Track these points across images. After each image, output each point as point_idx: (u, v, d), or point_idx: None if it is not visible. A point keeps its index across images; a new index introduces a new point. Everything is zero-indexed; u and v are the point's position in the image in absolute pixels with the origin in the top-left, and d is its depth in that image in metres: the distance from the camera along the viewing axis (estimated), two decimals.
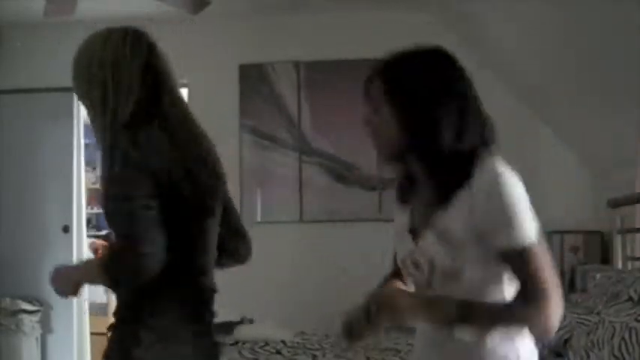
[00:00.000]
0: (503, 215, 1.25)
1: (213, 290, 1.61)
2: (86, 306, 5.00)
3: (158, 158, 1.46)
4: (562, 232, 4.18)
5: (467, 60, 1.42)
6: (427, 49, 1.39)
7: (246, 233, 1.76)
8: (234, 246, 1.72)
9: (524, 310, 1.26)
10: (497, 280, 1.32)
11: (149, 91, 1.53)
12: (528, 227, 1.26)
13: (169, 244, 1.40)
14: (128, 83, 1.51)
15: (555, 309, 1.25)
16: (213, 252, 1.61)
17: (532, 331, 1.30)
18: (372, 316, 1.30)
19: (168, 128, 1.52)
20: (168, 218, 1.43)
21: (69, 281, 1.59)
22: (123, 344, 1.49)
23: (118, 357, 1.50)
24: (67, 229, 4.87)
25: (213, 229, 1.61)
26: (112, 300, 5.35)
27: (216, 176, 1.62)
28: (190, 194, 1.50)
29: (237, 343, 3.44)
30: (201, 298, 1.58)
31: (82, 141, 5.03)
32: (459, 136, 1.31)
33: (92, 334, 4.98)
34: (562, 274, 4.10)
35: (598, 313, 2.64)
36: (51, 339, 4.81)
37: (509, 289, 1.33)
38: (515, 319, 1.29)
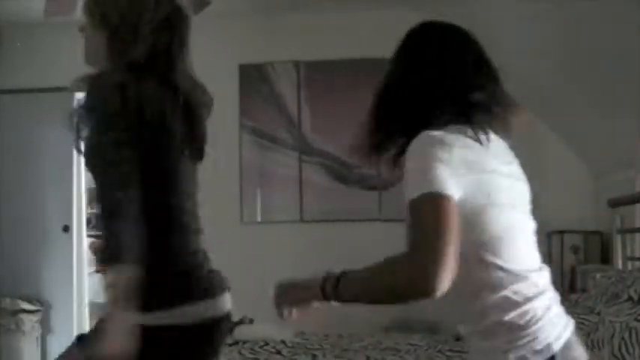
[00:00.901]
0: (406, 172, 1.25)
1: (196, 229, 1.64)
2: (86, 306, 5.01)
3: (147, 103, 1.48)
4: (562, 232, 4.18)
5: None
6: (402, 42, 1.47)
7: None
8: None
9: (391, 265, 1.20)
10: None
11: (167, 43, 1.59)
12: (418, 182, 1.21)
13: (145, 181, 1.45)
14: (150, 21, 1.57)
15: (422, 266, 1.13)
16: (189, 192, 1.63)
17: (402, 289, 1.18)
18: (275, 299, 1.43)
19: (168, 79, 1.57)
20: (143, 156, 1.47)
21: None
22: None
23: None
24: (67, 229, 4.87)
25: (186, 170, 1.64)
26: None
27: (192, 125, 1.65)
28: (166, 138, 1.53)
29: (237, 343, 3.44)
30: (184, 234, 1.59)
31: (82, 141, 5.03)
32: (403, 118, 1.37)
33: None
34: (562, 274, 4.11)
35: (598, 313, 2.65)
36: (51, 339, 4.81)
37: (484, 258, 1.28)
38: (384, 275, 1.21)
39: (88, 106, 1.50)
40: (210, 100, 1.74)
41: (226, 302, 1.64)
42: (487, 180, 1.29)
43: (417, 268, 1.14)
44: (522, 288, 1.29)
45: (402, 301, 1.19)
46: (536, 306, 1.29)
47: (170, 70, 1.60)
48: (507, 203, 1.32)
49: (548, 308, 1.30)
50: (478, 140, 1.31)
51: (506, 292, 1.28)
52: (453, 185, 1.22)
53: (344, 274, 1.30)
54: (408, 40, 1.47)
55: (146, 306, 1.44)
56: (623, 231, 3.76)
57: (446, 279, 1.13)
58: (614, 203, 3.77)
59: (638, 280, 2.71)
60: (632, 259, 3.68)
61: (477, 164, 1.29)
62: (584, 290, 3.44)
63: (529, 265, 1.34)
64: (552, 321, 1.29)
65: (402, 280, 1.16)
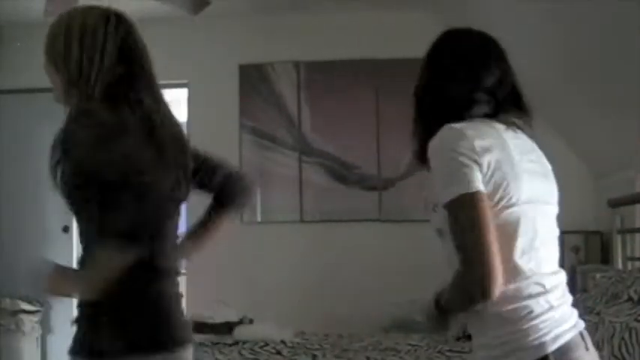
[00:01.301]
0: (433, 170, 1.32)
1: (171, 271, 1.60)
2: None
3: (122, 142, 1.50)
4: (562, 232, 4.14)
5: None
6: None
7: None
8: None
9: (456, 279, 1.29)
10: None
11: (124, 72, 1.58)
12: (448, 183, 1.28)
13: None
14: (102, 59, 1.57)
15: (478, 273, 1.24)
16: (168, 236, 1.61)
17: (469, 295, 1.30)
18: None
19: (137, 111, 1.55)
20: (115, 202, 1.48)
21: None
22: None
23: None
24: (67, 229, 4.87)
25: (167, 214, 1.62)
26: None
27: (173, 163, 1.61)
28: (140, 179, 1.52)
29: (237, 343, 3.44)
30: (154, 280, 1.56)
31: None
32: (431, 114, 1.42)
33: None
34: None
35: (598, 313, 2.64)
36: (51, 339, 4.81)
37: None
38: (457, 289, 1.31)
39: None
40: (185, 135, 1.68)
41: (184, 356, 1.54)
42: (504, 172, 1.31)
43: (474, 284, 1.25)
44: (522, 286, 1.29)
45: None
46: (536, 304, 1.29)
47: (136, 97, 1.57)
48: (521, 199, 1.33)
49: (551, 308, 1.30)
50: (499, 130, 1.36)
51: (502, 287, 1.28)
52: (478, 175, 1.27)
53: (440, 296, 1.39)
54: (431, 49, 1.49)
55: (92, 352, 1.44)
56: (623, 231, 3.76)
57: (498, 281, 1.23)
58: (614, 203, 3.77)
59: (638, 280, 2.71)
60: (632, 259, 3.68)
61: (496, 156, 1.31)
62: (584, 290, 3.44)
63: (539, 267, 1.34)
64: (553, 322, 1.29)
65: (474, 297, 1.27)
